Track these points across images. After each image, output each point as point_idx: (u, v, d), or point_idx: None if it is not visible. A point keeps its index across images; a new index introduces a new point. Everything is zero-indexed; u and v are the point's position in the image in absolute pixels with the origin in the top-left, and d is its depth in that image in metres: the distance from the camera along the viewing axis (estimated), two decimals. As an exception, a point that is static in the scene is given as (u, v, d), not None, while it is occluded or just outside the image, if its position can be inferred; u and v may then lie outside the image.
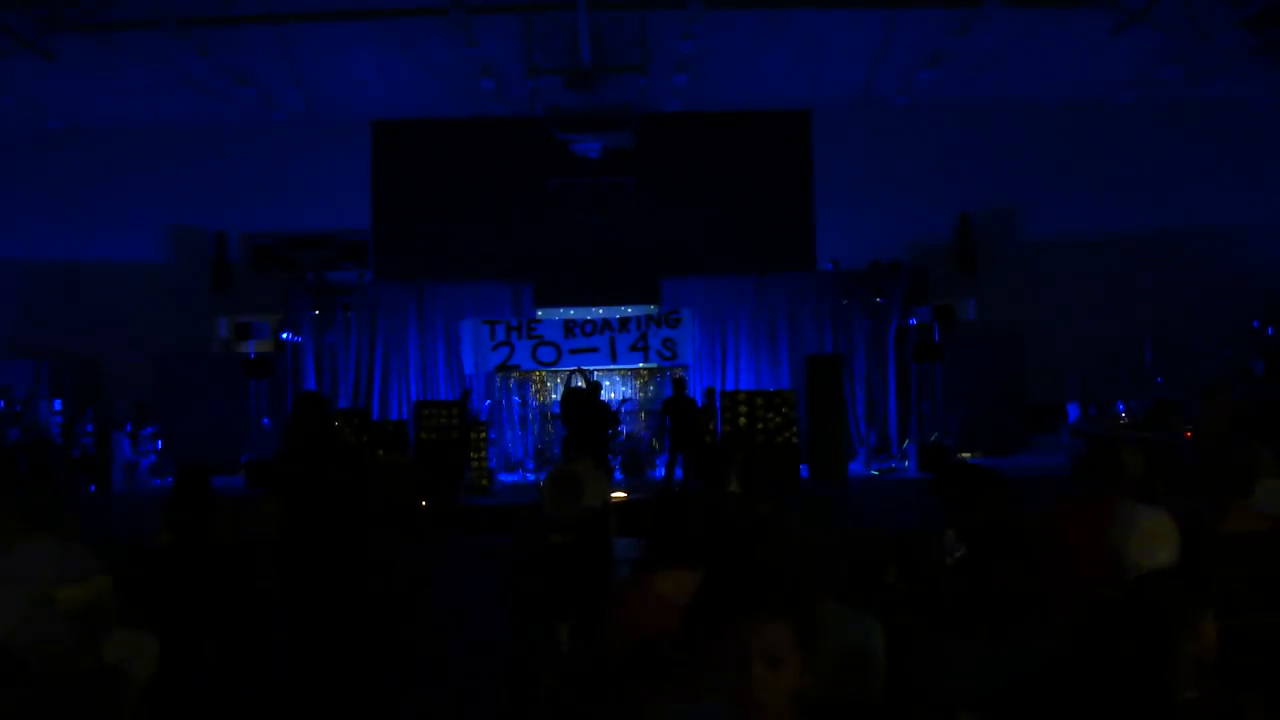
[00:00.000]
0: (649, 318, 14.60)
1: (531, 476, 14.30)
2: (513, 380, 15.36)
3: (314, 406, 5.53)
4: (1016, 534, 3.65)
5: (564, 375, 14.44)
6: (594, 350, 14.44)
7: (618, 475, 13.51)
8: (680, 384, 13.57)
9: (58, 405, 15.52)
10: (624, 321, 14.53)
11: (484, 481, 13.12)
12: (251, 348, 15.43)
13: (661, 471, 13.66)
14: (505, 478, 14.34)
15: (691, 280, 15.63)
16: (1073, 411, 15.05)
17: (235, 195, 17.15)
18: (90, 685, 3.88)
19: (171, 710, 4.38)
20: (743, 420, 13.17)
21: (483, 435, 13.43)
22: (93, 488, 14.22)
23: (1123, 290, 16.76)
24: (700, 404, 13.73)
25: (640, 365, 14.75)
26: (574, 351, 14.43)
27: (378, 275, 17.16)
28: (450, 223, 17.09)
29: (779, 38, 14.87)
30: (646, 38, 14.71)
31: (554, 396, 15.41)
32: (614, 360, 14.46)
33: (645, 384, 15.62)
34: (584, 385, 12.99)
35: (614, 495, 7.60)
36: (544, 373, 15.16)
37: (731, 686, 1.82)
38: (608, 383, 14.87)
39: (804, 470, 13.46)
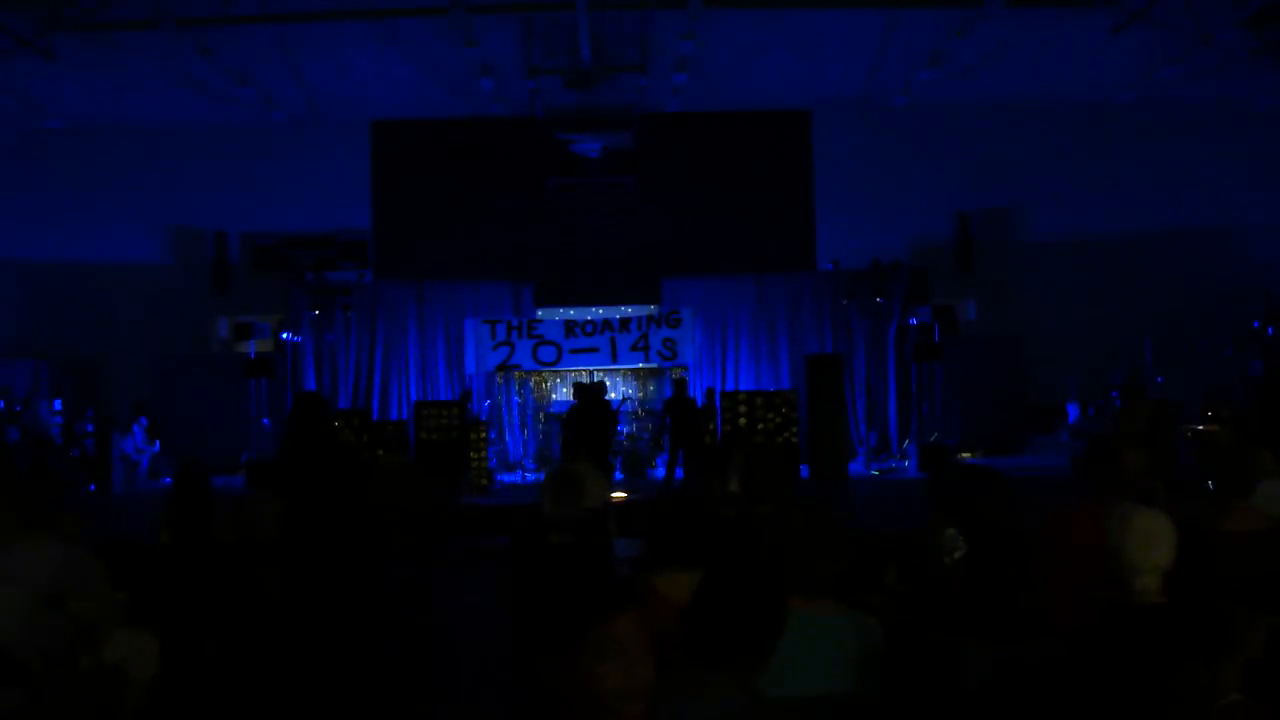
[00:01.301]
0: (649, 318, 14.60)
1: (531, 476, 14.31)
2: (513, 380, 15.37)
3: (314, 407, 5.53)
4: (1016, 534, 3.66)
5: (563, 375, 14.47)
6: (594, 350, 14.44)
7: (618, 475, 13.51)
8: (682, 384, 13.58)
9: (58, 405, 15.52)
10: (624, 322, 14.53)
11: (484, 481, 13.12)
12: (251, 348, 15.43)
13: (662, 471, 13.66)
14: (505, 478, 14.34)
15: (691, 280, 15.63)
16: (1073, 412, 15.05)
17: (235, 195, 17.14)
18: (90, 685, 3.88)
19: (171, 710, 4.37)
20: (743, 420, 13.18)
21: (483, 435, 13.43)
22: (93, 488, 14.22)
23: (1123, 290, 16.75)
24: (700, 404, 13.74)
25: (640, 365, 14.75)
26: (574, 351, 14.43)
27: (378, 275, 17.15)
28: (450, 223, 17.08)
29: (779, 38, 14.86)
30: (646, 38, 14.71)
31: (554, 397, 15.43)
32: (614, 360, 14.47)
33: (645, 384, 15.62)
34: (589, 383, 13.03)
35: (614, 495, 7.60)
36: (544, 373, 15.17)
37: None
38: (609, 382, 14.88)
39: (804, 470, 13.46)
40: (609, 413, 12.67)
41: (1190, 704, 2.32)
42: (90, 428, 15.00)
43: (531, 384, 15.52)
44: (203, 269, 17.34)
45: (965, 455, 14.72)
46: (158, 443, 15.31)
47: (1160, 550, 3.01)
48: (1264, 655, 2.47)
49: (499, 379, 15.28)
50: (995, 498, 3.74)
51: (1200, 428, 12.31)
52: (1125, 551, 3.00)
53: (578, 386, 12.94)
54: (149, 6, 12.70)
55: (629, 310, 15.18)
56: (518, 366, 14.60)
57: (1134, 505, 3.22)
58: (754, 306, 15.70)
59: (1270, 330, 15.16)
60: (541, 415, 15.37)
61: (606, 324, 14.53)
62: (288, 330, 15.61)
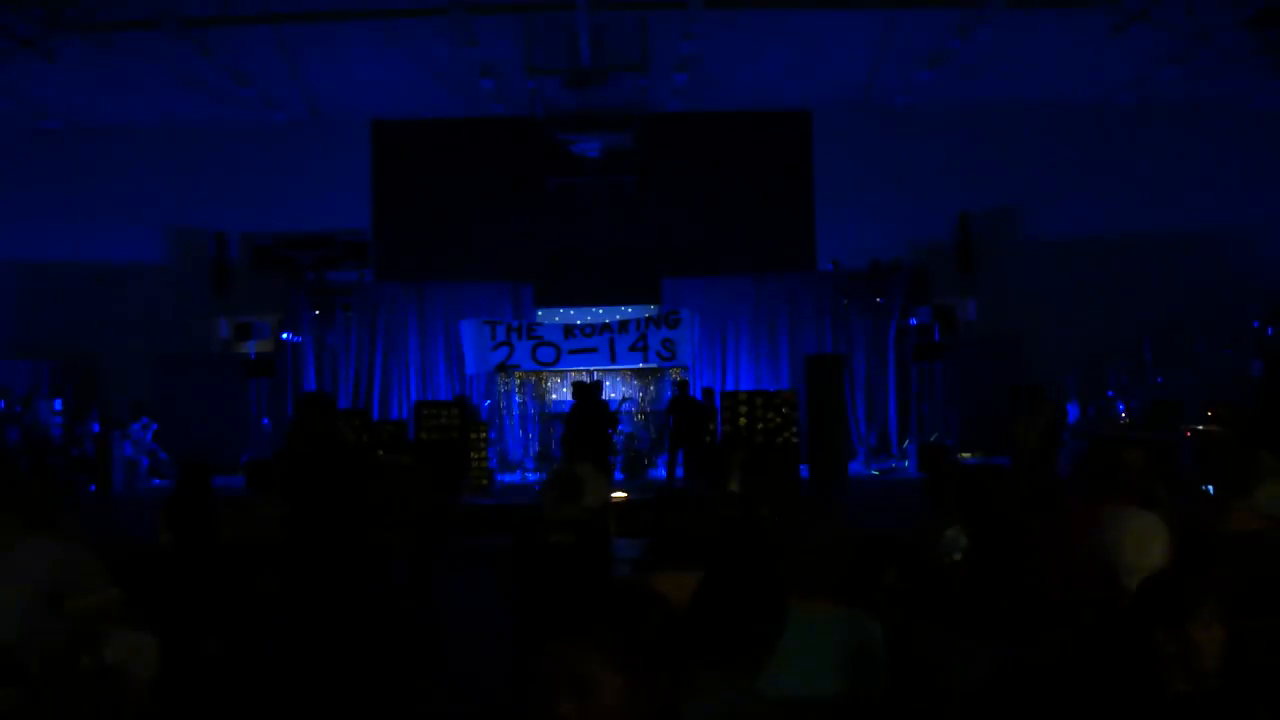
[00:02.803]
0: (648, 318, 14.62)
1: (531, 476, 14.31)
2: (513, 380, 15.37)
3: (317, 407, 5.54)
4: (1018, 532, 3.66)
5: (563, 375, 14.47)
6: (593, 351, 14.45)
7: (618, 475, 13.51)
8: (685, 385, 13.62)
9: (58, 405, 15.52)
10: (624, 323, 14.55)
11: (484, 481, 13.12)
12: (251, 348, 15.43)
13: (662, 471, 13.67)
14: (505, 478, 14.34)
15: (691, 280, 15.64)
16: (1073, 412, 15.04)
17: (235, 195, 17.14)
18: (90, 685, 3.88)
19: (172, 710, 4.38)
20: (743, 420, 13.17)
21: (483, 435, 13.43)
22: (93, 488, 14.22)
23: (1123, 290, 16.74)
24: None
25: (639, 366, 14.76)
26: (573, 352, 14.44)
27: (378, 275, 17.15)
28: (450, 223, 17.08)
29: (779, 38, 14.86)
30: (646, 38, 14.70)
31: (554, 397, 15.43)
32: (613, 361, 14.47)
33: (646, 384, 15.63)
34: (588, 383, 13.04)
35: (614, 495, 7.59)
36: (544, 373, 15.17)
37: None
38: (608, 383, 14.87)
39: (804, 470, 13.46)
40: (609, 413, 12.67)
41: (1135, 696, 2.33)
42: (95, 427, 15.00)
43: (532, 384, 15.52)
44: (203, 269, 17.33)
45: (965, 455, 14.72)
46: (155, 436, 15.30)
47: (1155, 551, 3.01)
48: (1227, 663, 2.46)
49: (499, 379, 15.29)
50: (1005, 495, 3.75)
51: (1200, 428, 12.31)
52: (1120, 553, 3.00)
53: (576, 386, 12.95)
54: (149, 6, 12.69)
55: (628, 311, 15.19)
56: (517, 366, 14.61)
57: (1129, 506, 3.22)
58: (754, 306, 15.70)
59: (1270, 330, 15.16)
60: (542, 415, 15.37)
61: (605, 325, 14.55)
62: (288, 330, 15.62)
